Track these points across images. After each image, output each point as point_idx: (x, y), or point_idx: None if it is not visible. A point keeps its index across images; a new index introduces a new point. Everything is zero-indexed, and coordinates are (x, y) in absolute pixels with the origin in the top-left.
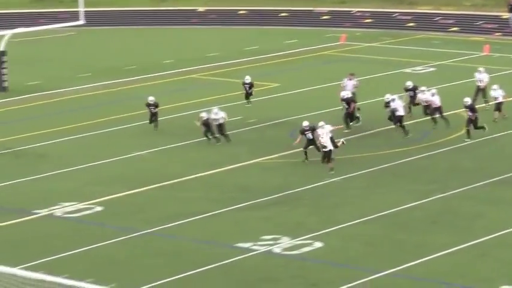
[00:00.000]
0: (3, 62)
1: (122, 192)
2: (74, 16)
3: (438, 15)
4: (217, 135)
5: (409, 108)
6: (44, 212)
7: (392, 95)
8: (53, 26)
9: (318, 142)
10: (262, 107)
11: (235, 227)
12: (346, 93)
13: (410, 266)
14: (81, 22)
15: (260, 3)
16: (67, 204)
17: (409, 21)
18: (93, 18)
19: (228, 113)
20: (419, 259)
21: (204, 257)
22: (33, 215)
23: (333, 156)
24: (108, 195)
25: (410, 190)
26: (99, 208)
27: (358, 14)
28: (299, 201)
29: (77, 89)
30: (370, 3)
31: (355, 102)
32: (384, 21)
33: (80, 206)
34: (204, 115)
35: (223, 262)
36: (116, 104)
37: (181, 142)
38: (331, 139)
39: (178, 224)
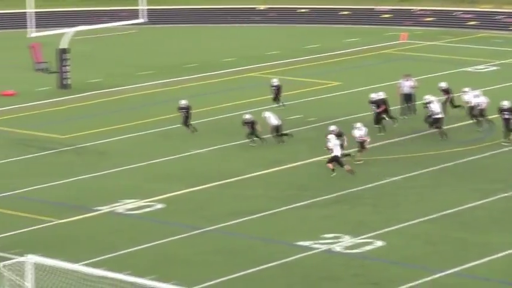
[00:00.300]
0: (66, 59)
1: (182, 189)
2: (136, 14)
3: (500, 13)
4: (264, 136)
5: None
6: (105, 208)
7: (431, 96)
8: (115, 24)
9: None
10: (322, 105)
11: (295, 225)
12: (377, 95)
13: (473, 265)
14: (142, 20)
15: (321, 1)
16: (128, 201)
17: (470, 19)
18: (154, 16)
19: (288, 111)
20: (482, 259)
21: (264, 255)
22: (94, 211)
23: (344, 160)
24: (168, 193)
25: (473, 189)
26: (160, 205)
27: (419, 12)
28: (360, 199)
29: (137, 87)
30: (431, 2)
31: (386, 103)
32: (445, 19)
33: (141, 203)
34: (248, 117)
35: (284, 260)
36: (175, 102)
37: (240, 140)
38: (362, 143)
39: (238, 221)
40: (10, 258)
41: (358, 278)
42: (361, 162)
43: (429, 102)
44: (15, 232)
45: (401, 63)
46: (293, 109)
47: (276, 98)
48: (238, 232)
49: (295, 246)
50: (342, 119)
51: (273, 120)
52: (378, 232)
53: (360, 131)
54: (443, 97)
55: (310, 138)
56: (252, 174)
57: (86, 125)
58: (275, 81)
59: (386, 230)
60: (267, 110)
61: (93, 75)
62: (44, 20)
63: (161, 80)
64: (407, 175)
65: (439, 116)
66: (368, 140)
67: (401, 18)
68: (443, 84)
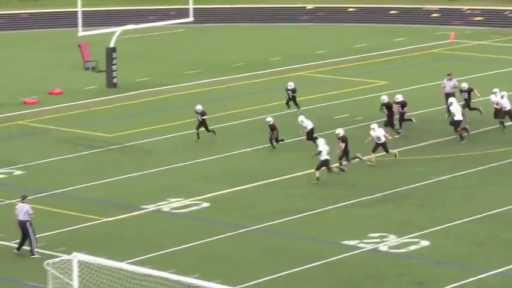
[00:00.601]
0: (114, 58)
1: (228, 188)
2: (183, 13)
3: None
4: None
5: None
6: (151, 207)
7: (453, 98)
8: (162, 23)
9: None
10: (369, 104)
11: (341, 225)
12: (387, 98)
13: None
14: (190, 19)
15: (369, 0)
16: (174, 200)
17: None
18: (201, 16)
19: (334, 110)
20: None
21: (309, 254)
22: (141, 210)
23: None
24: (214, 192)
25: None
26: (205, 204)
27: (468, 11)
28: (406, 199)
29: (183, 86)
30: (480, 1)
31: (406, 105)
32: (494, 19)
33: (187, 202)
34: (269, 119)
35: (329, 259)
36: (222, 101)
37: (287, 140)
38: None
39: (283, 220)
40: (56, 256)
41: (404, 277)
42: (374, 163)
43: (450, 105)
44: (61, 230)
45: (449, 62)
46: (340, 108)
47: (292, 101)
48: (283, 231)
49: (341, 246)
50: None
51: (308, 123)
52: (423, 232)
53: (374, 132)
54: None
55: (356, 138)
56: (298, 174)
57: (132, 124)
58: (290, 84)
59: (431, 229)
60: (300, 114)
61: (140, 74)
62: (93, 19)
63: (208, 79)
64: (453, 175)
65: (456, 118)
66: (384, 141)
67: (450, 17)
68: (464, 85)
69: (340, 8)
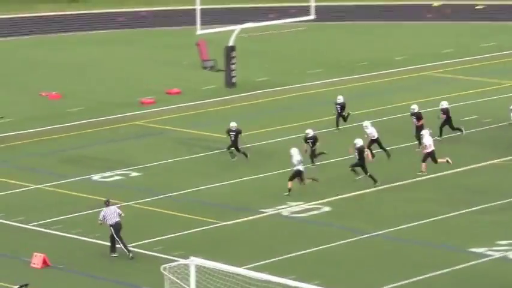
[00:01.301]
0: (233, 57)
1: (349, 193)
2: (304, 11)
3: None
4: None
5: None
6: (270, 211)
7: None
8: (283, 21)
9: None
10: (498, 106)
11: (467, 231)
12: (417, 107)
13: None
14: (311, 17)
15: None
16: (294, 203)
17: None
18: (323, 13)
19: (462, 112)
20: None
21: (434, 261)
22: (259, 213)
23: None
24: (335, 196)
25: None
26: (326, 208)
27: None
28: None
29: (305, 86)
30: None
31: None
32: None
33: (307, 206)
34: (308, 131)
35: (455, 267)
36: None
37: (411, 142)
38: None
39: (407, 226)
40: (173, 260)
41: None
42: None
43: None
44: (178, 233)
45: None
46: (468, 109)
47: (340, 117)
48: (406, 237)
49: (468, 253)
50: None
51: (372, 131)
52: None
53: (427, 140)
54: None
55: (484, 140)
56: (422, 178)
57: (252, 125)
58: (340, 99)
59: None
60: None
61: (260, 73)
62: (211, 17)
63: (332, 79)
64: None
65: None
66: (431, 150)
67: None
68: None
69: (467, 5)
